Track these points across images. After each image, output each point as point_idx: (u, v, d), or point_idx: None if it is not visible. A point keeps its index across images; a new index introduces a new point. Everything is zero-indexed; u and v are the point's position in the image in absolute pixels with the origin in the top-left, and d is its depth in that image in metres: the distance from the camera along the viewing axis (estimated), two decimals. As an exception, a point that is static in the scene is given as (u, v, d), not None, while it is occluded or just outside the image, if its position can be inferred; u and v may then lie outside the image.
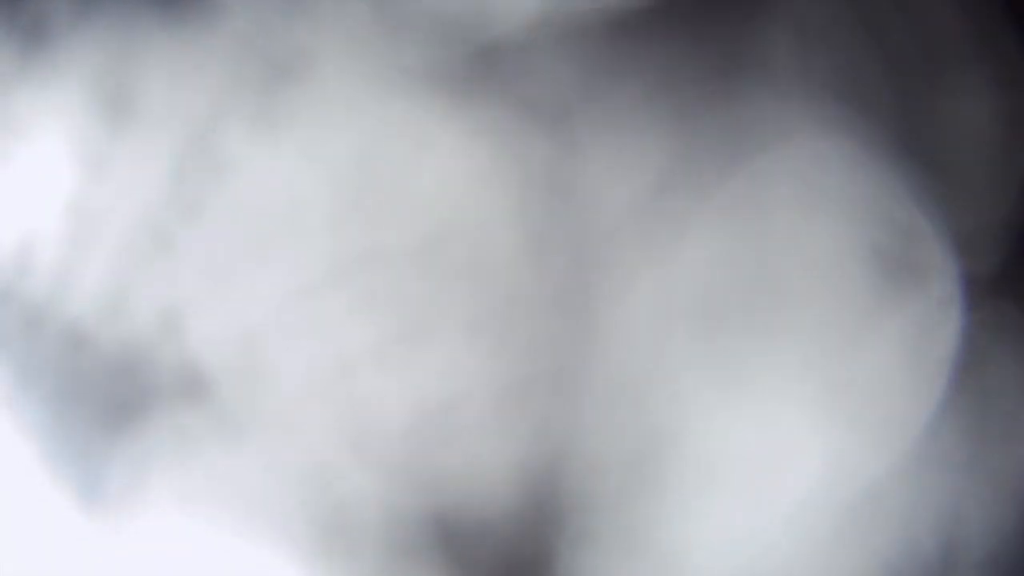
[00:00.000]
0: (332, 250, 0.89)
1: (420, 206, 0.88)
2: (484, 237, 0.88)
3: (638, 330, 0.88)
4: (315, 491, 0.88)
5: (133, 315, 0.88)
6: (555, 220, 0.88)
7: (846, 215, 0.88)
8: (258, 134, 0.89)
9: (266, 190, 0.89)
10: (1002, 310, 0.89)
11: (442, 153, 0.88)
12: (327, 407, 0.88)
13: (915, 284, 0.88)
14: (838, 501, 0.88)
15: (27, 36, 0.91)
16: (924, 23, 0.89)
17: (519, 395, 0.88)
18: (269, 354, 0.88)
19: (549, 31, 0.88)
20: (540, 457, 0.88)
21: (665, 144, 0.88)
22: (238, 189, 0.89)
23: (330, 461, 0.88)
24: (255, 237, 0.89)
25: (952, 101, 0.89)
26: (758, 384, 0.88)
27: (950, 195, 0.88)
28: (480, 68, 0.89)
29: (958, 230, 0.88)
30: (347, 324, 0.89)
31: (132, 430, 0.88)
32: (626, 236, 0.88)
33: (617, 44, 0.88)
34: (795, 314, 0.88)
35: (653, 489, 0.88)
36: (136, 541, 0.88)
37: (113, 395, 0.88)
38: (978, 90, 0.89)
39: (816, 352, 0.88)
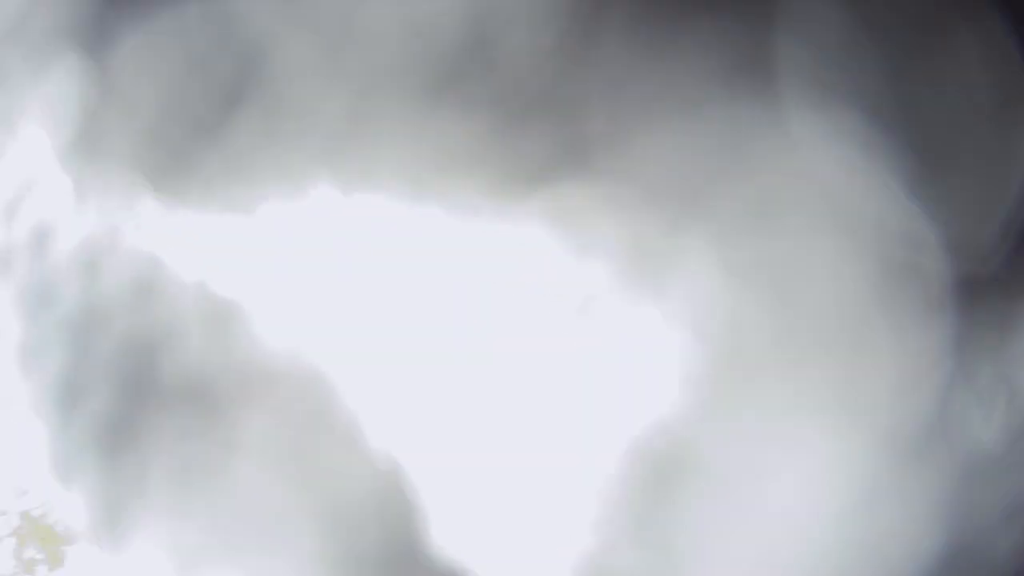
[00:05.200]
0: (329, 250, 0.89)
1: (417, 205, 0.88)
2: (488, 241, 0.88)
3: (639, 335, 0.88)
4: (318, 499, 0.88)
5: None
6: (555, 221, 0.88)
7: (845, 215, 0.88)
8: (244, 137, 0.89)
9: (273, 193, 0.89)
10: (1002, 310, 0.89)
11: (441, 153, 0.88)
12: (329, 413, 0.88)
13: (915, 285, 0.88)
14: (838, 501, 0.88)
15: None
16: (925, 26, 0.89)
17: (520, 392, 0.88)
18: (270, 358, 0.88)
19: (551, 31, 0.88)
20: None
21: (668, 148, 0.88)
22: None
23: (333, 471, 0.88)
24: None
25: (952, 101, 0.89)
26: (757, 384, 0.88)
27: (950, 196, 0.89)
28: (479, 68, 0.88)
29: (958, 231, 0.88)
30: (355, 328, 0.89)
31: (132, 439, 0.88)
32: (626, 236, 0.88)
33: (620, 46, 0.88)
34: (794, 315, 0.88)
35: (656, 490, 0.88)
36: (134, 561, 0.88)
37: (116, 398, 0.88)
38: (978, 91, 0.89)
39: (815, 353, 0.88)
